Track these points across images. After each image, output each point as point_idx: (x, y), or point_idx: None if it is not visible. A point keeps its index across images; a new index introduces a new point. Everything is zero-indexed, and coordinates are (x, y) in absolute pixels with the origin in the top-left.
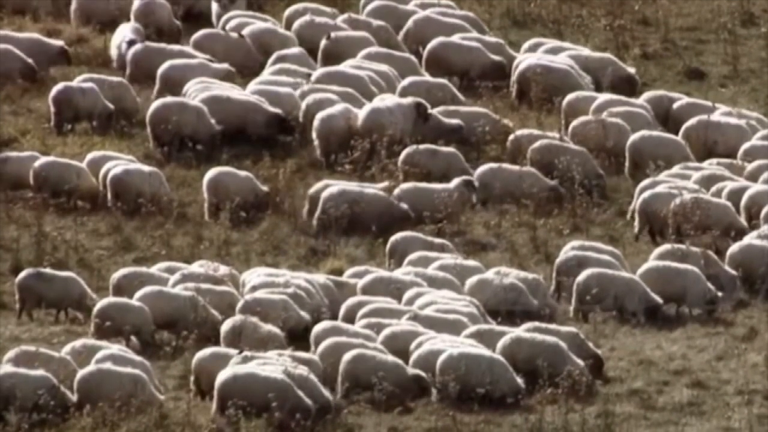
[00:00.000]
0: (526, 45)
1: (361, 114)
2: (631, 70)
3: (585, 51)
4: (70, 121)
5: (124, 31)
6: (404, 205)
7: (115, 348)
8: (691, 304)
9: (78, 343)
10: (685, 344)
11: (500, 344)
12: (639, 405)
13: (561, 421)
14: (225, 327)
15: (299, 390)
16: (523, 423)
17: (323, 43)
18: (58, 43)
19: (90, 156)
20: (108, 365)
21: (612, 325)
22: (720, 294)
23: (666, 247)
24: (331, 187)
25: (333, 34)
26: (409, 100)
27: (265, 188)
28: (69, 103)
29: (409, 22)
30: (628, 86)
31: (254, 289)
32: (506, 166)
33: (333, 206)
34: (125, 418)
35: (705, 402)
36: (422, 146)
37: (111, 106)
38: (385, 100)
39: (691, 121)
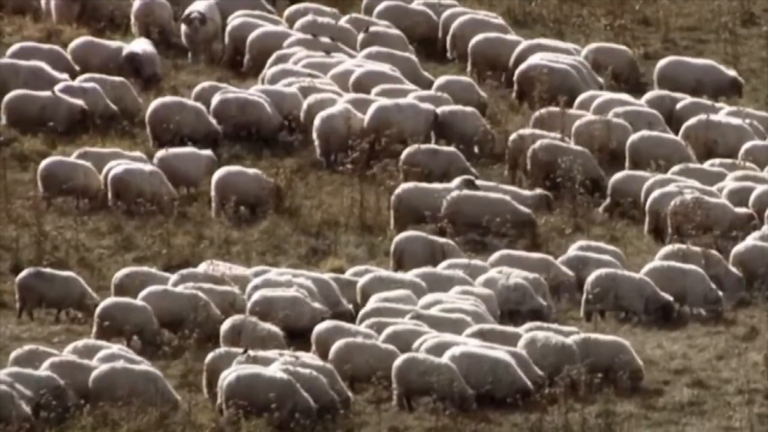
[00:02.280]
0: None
1: (369, 111)
2: (732, 73)
3: (691, 58)
4: (166, 142)
5: (142, 45)
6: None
7: (116, 348)
8: (694, 305)
9: (80, 343)
10: (686, 343)
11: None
12: (639, 404)
13: (561, 420)
14: (225, 326)
15: (303, 390)
16: (523, 422)
17: (361, 35)
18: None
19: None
20: (122, 363)
21: (612, 324)
22: (721, 294)
23: (671, 247)
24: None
25: (371, 28)
26: (427, 106)
27: (270, 179)
28: (162, 120)
29: (454, 26)
30: (733, 89)
31: (256, 288)
32: (639, 173)
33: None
34: (126, 417)
35: (706, 401)
36: (423, 146)
37: (114, 106)
38: (398, 99)
39: (691, 121)
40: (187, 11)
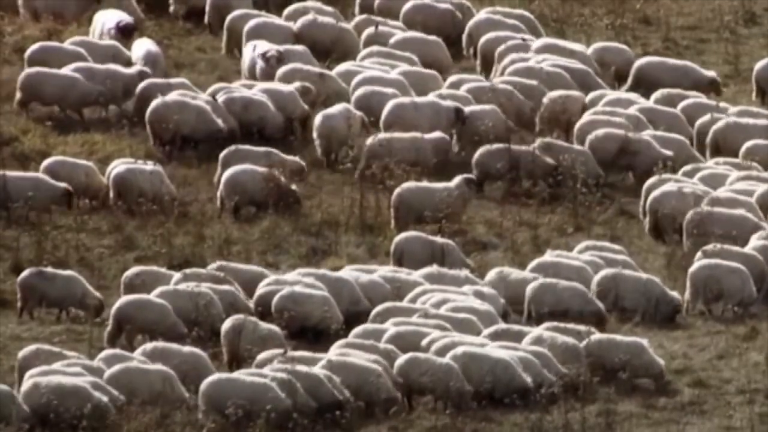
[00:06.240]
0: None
1: (385, 108)
2: None
3: None
4: (166, 141)
5: (147, 46)
6: None
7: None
8: (732, 303)
9: (149, 346)
10: (687, 343)
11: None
12: (640, 404)
13: (562, 419)
14: (225, 326)
15: (302, 390)
16: (524, 422)
17: (371, 31)
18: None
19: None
20: (135, 363)
21: (613, 323)
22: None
23: (710, 246)
24: None
25: (379, 27)
26: (448, 103)
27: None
28: (163, 120)
29: (470, 25)
30: None
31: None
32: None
33: None
34: (126, 417)
35: (706, 401)
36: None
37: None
38: (415, 97)
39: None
40: (264, 49)
